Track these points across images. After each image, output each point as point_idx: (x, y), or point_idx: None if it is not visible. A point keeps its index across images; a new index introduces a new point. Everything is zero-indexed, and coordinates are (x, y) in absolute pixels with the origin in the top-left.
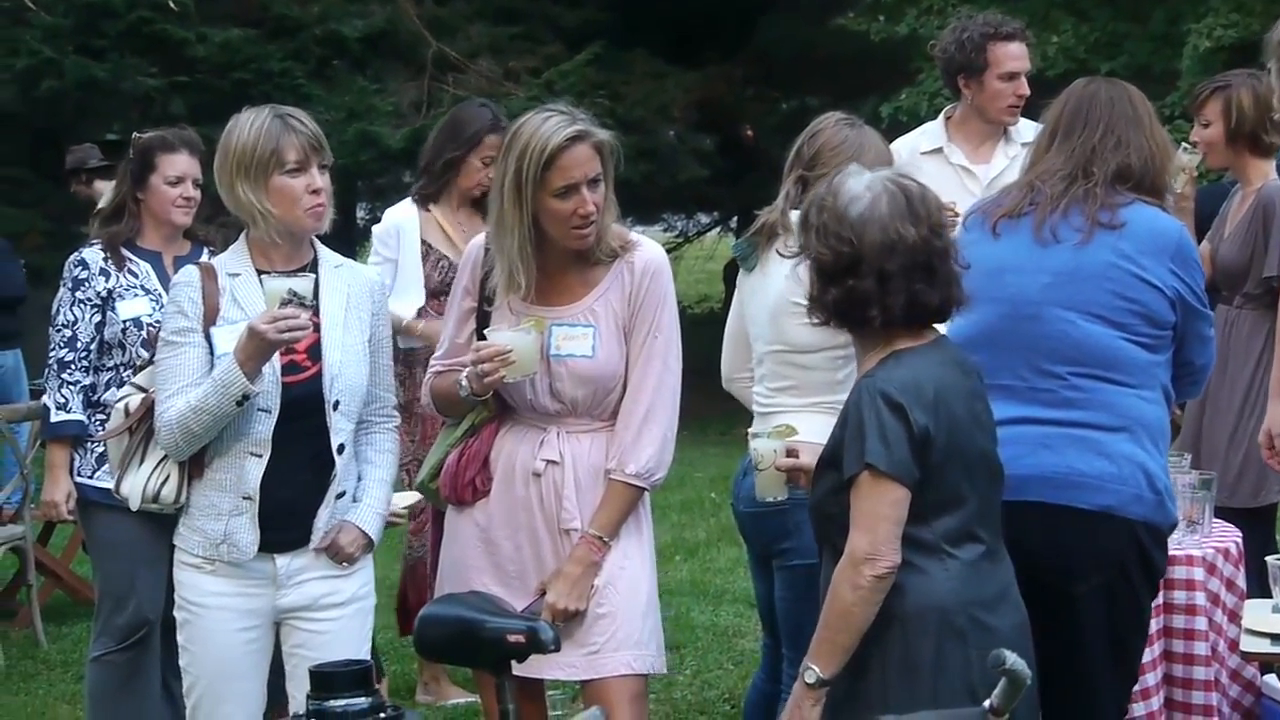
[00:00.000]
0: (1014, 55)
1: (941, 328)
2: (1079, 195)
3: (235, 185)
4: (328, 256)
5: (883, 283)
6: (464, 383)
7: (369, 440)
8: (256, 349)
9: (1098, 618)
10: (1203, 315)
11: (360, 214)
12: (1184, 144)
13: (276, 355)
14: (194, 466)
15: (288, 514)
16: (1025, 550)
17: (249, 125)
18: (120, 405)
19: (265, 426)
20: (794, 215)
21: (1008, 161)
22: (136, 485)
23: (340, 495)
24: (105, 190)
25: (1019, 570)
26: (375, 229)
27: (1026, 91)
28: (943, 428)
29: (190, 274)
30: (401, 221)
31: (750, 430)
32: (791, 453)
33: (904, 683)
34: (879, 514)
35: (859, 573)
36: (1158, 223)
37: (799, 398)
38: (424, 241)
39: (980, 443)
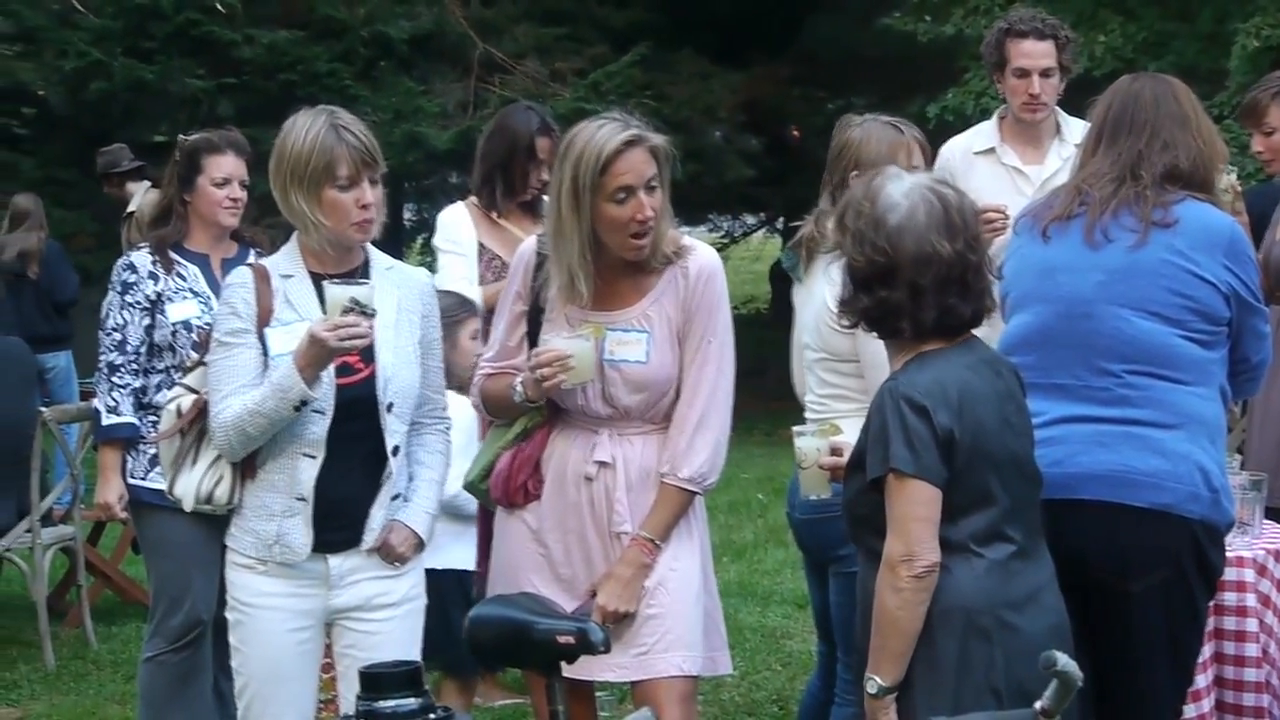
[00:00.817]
0: (1025, 52)
1: (986, 331)
2: (1129, 197)
3: (288, 193)
4: (379, 259)
5: (915, 296)
6: (519, 388)
7: (420, 441)
8: (316, 356)
9: (1153, 617)
10: (1258, 311)
11: (407, 215)
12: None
13: None
14: (246, 467)
15: (340, 515)
16: (1079, 549)
17: (304, 133)
18: (172, 406)
19: (319, 428)
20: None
21: (1061, 163)
22: (190, 486)
23: (395, 497)
24: (137, 192)
25: (1072, 568)
26: (436, 239)
27: (1037, 90)
28: (968, 430)
29: (243, 275)
30: (459, 222)
31: (795, 429)
32: (836, 451)
33: (926, 681)
34: (909, 515)
35: (897, 575)
36: (1210, 218)
37: (847, 403)
38: (479, 243)
39: (1010, 444)
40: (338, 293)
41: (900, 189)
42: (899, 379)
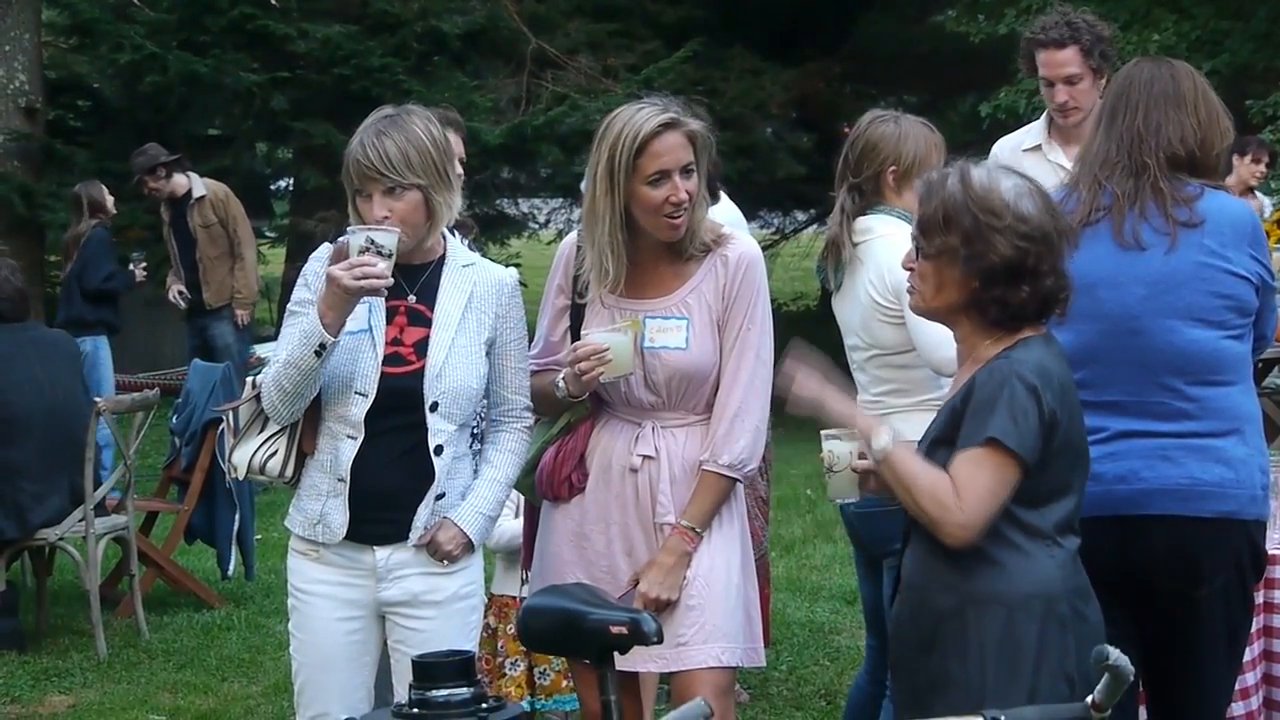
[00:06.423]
0: (1050, 62)
1: None
2: (1147, 194)
3: None
4: (457, 254)
5: (1057, 278)
6: (561, 384)
7: (493, 439)
8: (334, 297)
9: (1216, 616)
10: (1273, 289)
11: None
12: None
13: (381, 342)
14: (306, 443)
15: (382, 505)
16: (1148, 561)
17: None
18: (250, 378)
19: (359, 409)
20: (864, 221)
21: None
22: (244, 455)
23: (440, 496)
24: (192, 180)
25: (1138, 579)
26: None
27: (1064, 98)
28: (1065, 415)
29: (323, 251)
30: None
31: (824, 432)
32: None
33: (1004, 665)
34: (995, 492)
35: (944, 532)
36: (1232, 210)
37: (904, 398)
38: None
39: (1085, 437)
40: (356, 238)
41: (1011, 179)
42: (1011, 356)
